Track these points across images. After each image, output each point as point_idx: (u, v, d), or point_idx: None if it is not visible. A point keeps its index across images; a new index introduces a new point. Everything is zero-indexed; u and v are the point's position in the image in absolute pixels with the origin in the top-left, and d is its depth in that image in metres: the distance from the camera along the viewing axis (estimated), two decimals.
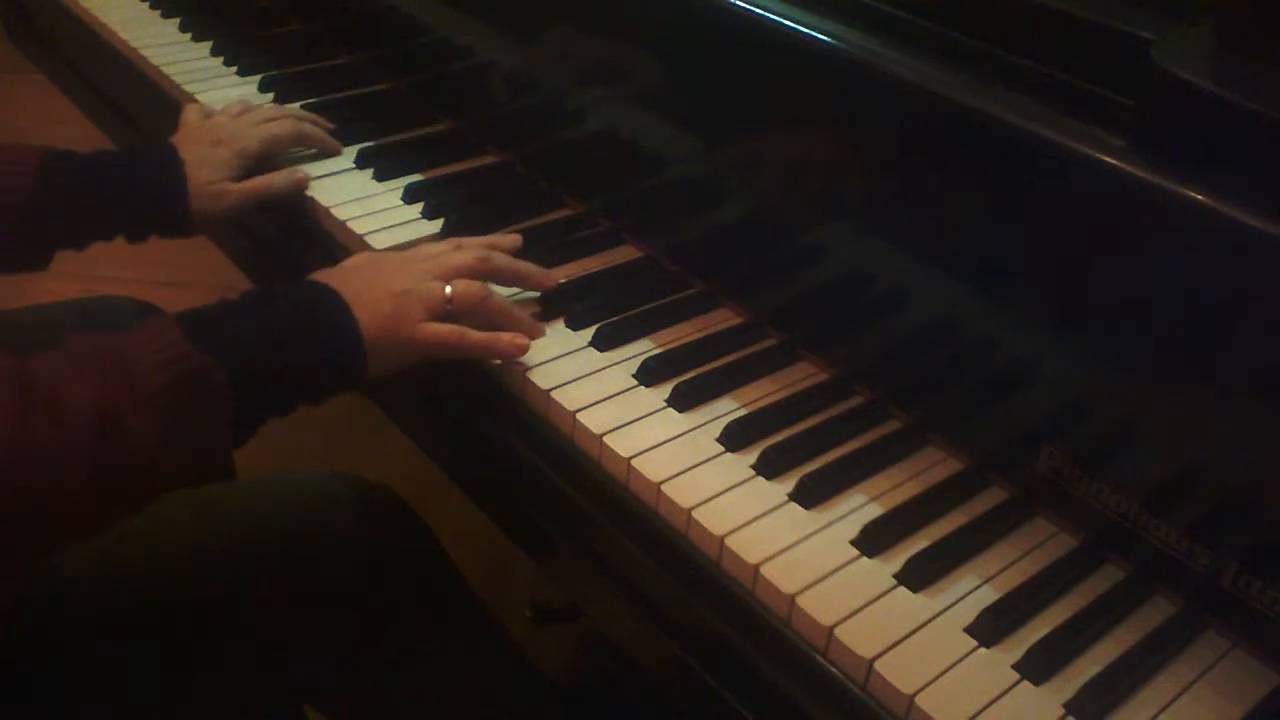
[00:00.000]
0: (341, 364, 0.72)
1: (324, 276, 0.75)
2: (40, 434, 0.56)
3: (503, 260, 0.81)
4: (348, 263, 0.80)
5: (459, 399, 0.80)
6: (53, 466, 0.57)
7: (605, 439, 0.70)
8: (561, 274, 0.86)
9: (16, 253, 0.85)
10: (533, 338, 0.78)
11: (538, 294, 0.83)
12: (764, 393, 0.77)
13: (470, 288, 0.76)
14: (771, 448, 0.71)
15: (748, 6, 0.73)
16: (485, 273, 0.79)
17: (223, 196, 0.89)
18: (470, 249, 0.80)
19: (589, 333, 0.80)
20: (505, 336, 0.76)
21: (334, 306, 0.72)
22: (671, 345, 0.80)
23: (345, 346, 0.71)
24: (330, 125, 1.01)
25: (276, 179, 0.93)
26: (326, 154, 0.99)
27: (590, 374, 0.76)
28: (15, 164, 0.83)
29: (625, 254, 0.91)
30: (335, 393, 0.73)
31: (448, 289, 0.75)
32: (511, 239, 0.85)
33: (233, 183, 0.90)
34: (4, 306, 0.96)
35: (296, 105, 1.05)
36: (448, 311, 0.75)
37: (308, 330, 0.70)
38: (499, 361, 0.77)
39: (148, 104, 1.14)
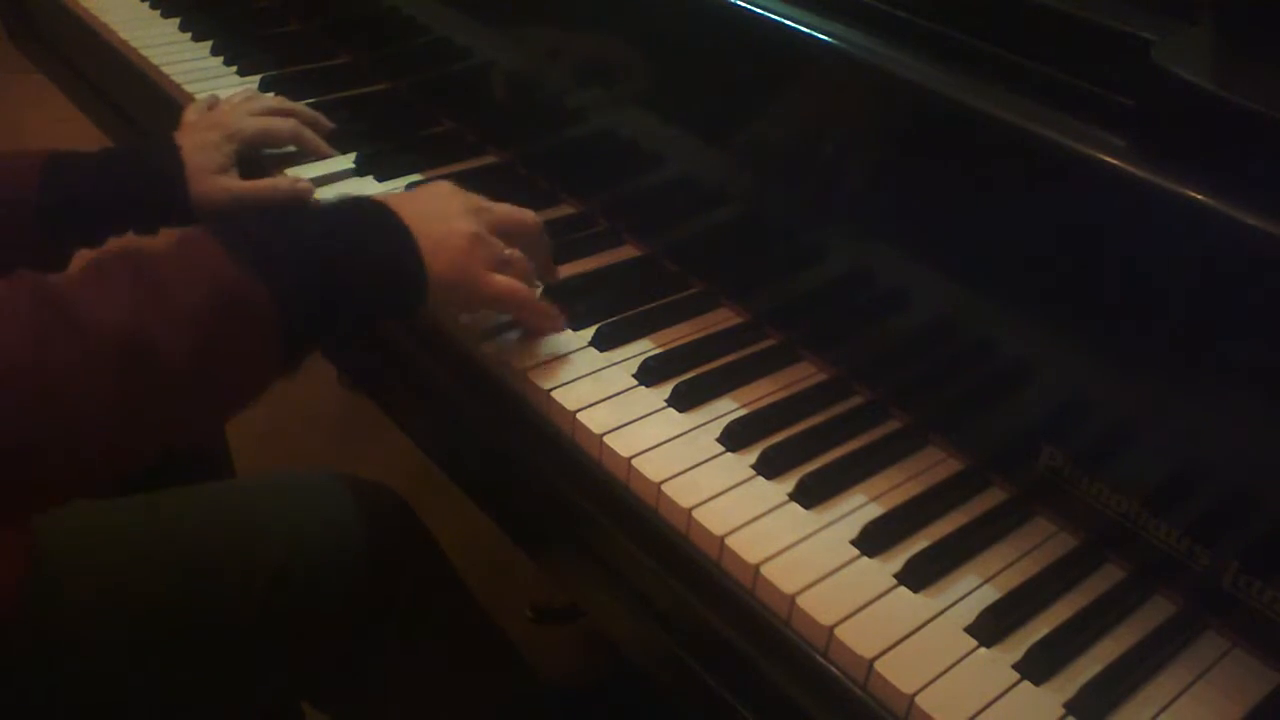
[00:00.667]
0: (400, 295, 0.70)
1: (391, 200, 0.72)
2: (61, 352, 0.53)
3: (546, 239, 0.81)
4: (412, 192, 0.77)
5: (459, 399, 0.80)
6: (74, 386, 0.54)
7: (605, 439, 0.70)
8: (561, 273, 0.86)
9: (33, 255, 0.85)
10: (554, 329, 0.79)
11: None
12: (764, 393, 0.77)
13: (524, 262, 0.76)
14: (771, 448, 0.71)
15: (748, 6, 0.73)
16: (534, 247, 0.79)
17: (224, 189, 0.89)
18: (525, 210, 0.79)
19: (589, 332, 0.80)
20: (556, 311, 0.77)
21: (395, 235, 0.69)
22: (671, 345, 0.80)
23: (406, 280, 0.69)
24: (330, 125, 1.01)
25: (281, 186, 0.93)
26: (320, 157, 0.99)
27: (590, 374, 0.76)
28: (20, 169, 0.83)
29: (625, 254, 0.91)
30: (389, 319, 0.71)
31: (506, 252, 0.74)
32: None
33: (232, 174, 0.91)
34: None
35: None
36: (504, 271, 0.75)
37: (366, 257, 0.67)
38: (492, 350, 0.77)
39: (148, 104, 1.14)
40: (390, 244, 0.69)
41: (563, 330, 0.79)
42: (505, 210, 0.77)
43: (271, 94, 1.05)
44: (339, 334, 0.68)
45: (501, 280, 0.73)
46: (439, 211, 0.72)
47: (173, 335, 0.56)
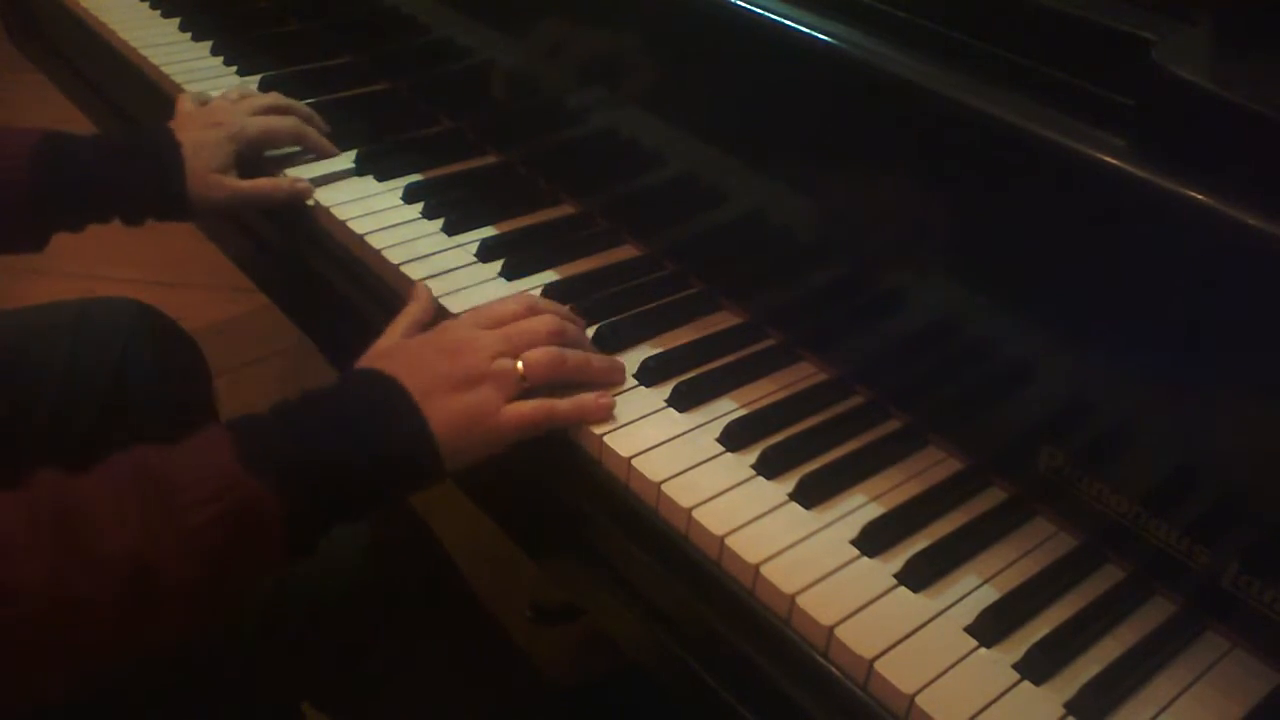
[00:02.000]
0: (414, 471, 0.66)
1: (384, 363, 0.68)
2: (73, 584, 0.55)
3: (575, 333, 0.75)
4: (404, 344, 0.73)
5: None
6: (80, 615, 0.55)
7: (605, 439, 0.70)
8: (561, 273, 0.86)
9: (13, 235, 0.85)
10: (616, 383, 0.74)
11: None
12: (764, 393, 0.77)
13: (545, 357, 0.71)
14: (771, 448, 0.71)
15: (747, 6, 0.73)
16: (566, 340, 0.73)
17: (222, 187, 0.89)
18: (544, 314, 0.74)
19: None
20: (590, 400, 0.72)
21: (402, 408, 0.66)
22: (671, 345, 0.80)
23: (416, 452, 0.66)
24: (326, 127, 1.01)
25: (281, 186, 0.93)
26: (321, 156, 0.99)
27: None
28: (11, 146, 0.83)
29: (625, 254, 0.91)
30: (406, 496, 0.69)
31: (519, 365, 0.69)
32: (577, 322, 0.77)
33: (231, 174, 0.91)
34: (4, 306, 0.96)
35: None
36: (523, 389, 0.70)
37: (374, 439, 0.64)
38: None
39: (147, 104, 1.14)
40: (397, 421, 0.65)
41: (621, 381, 0.74)
42: (508, 333, 0.72)
43: (272, 93, 1.05)
44: (349, 515, 0.66)
45: (518, 414, 0.68)
46: (436, 364, 0.68)
47: (180, 558, 0.57)
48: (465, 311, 0.79)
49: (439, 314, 0.81)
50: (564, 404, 0.71)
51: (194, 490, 0.58)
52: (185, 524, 0.57)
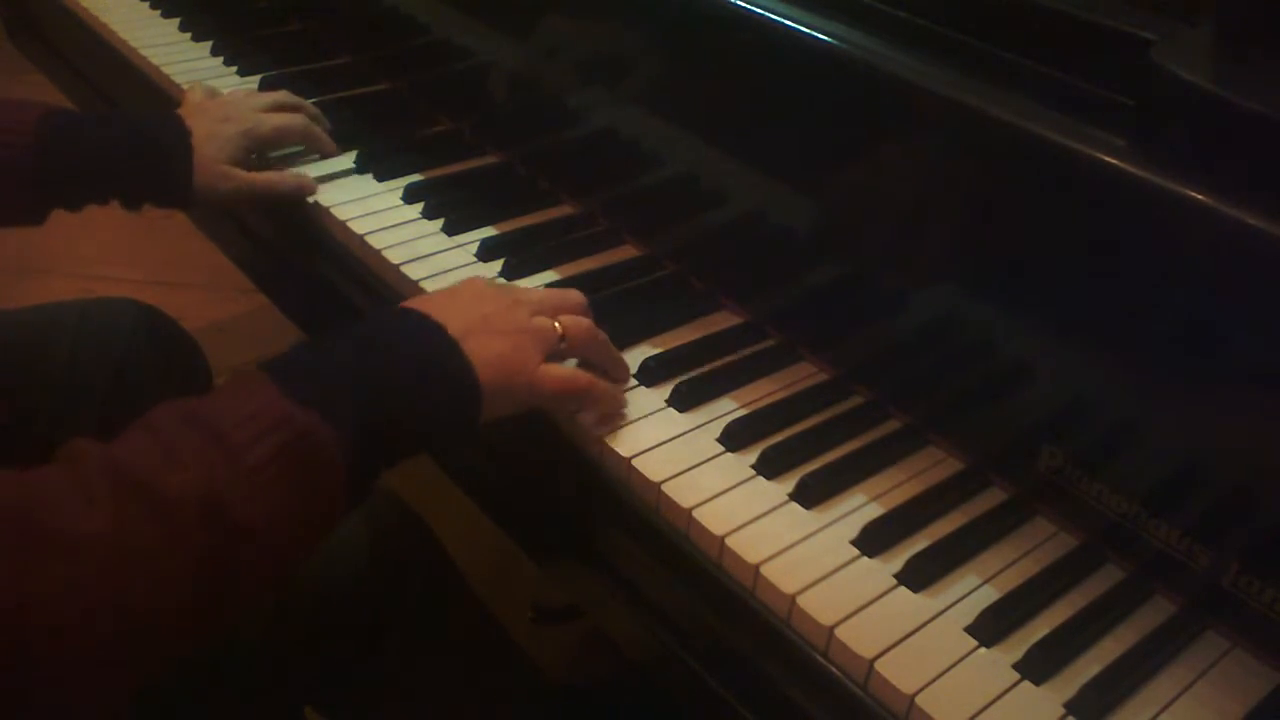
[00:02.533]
0: (455, 409, 0.64)
1: (424, 306, 0.67)
2: (142, 531, 0.50)
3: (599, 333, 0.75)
4: (443, 292, 0.71)
5: None
6: (156, 563, 0.51)
7: (605, 439, 0.70)
8: (562, 273, 0.86)
9: (12, 207, 0.84)
10: (624, 380, 0.75)
11: None
12: (764, 393, 0.77)
13: (581, 323, 0.71)
14: (771, 448, 0.71)
15: (747, 6, 0.73)
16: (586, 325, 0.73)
17: (228, 178, 0.89)
18: (575, 294, 0.75)
19: None
20: (621, 393, 0.72)
21: (443, 346, 0.64)
22: (672, 345, 0.80)
23: (457, 388, 0.64)
24: (329, 126, 1.01)
25: (286, 180, 0.93)
26: (324, 156, 0.99)
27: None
28: (13, 120, 0.82)
29: (625, 254, 0.91)
30: (447, 443, 0.65)
31: (557, 324, 0.69)
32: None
33: (240, 168, 0.90)
34: (4, 306, 0.96)
35: None
36: (560, 350, 0.70)
37: (416, 373, 0.63)
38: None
39: (148, 104, 1.14)
40: (438, 356, 0.64)
41: (624, 402, 0.73)
42: (545, 295, 0.73)
43: (281, 90, 1.05)
44: (400, 457, 0.63)
45: (559, 373, 0.68)
46: (478, 311, 0.67)
47: (246, 496, 0.53)
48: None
49: None
50: (603, 382, 0.70)
51: (247, 428, 0.54)
52: (245, 461, 0.54)
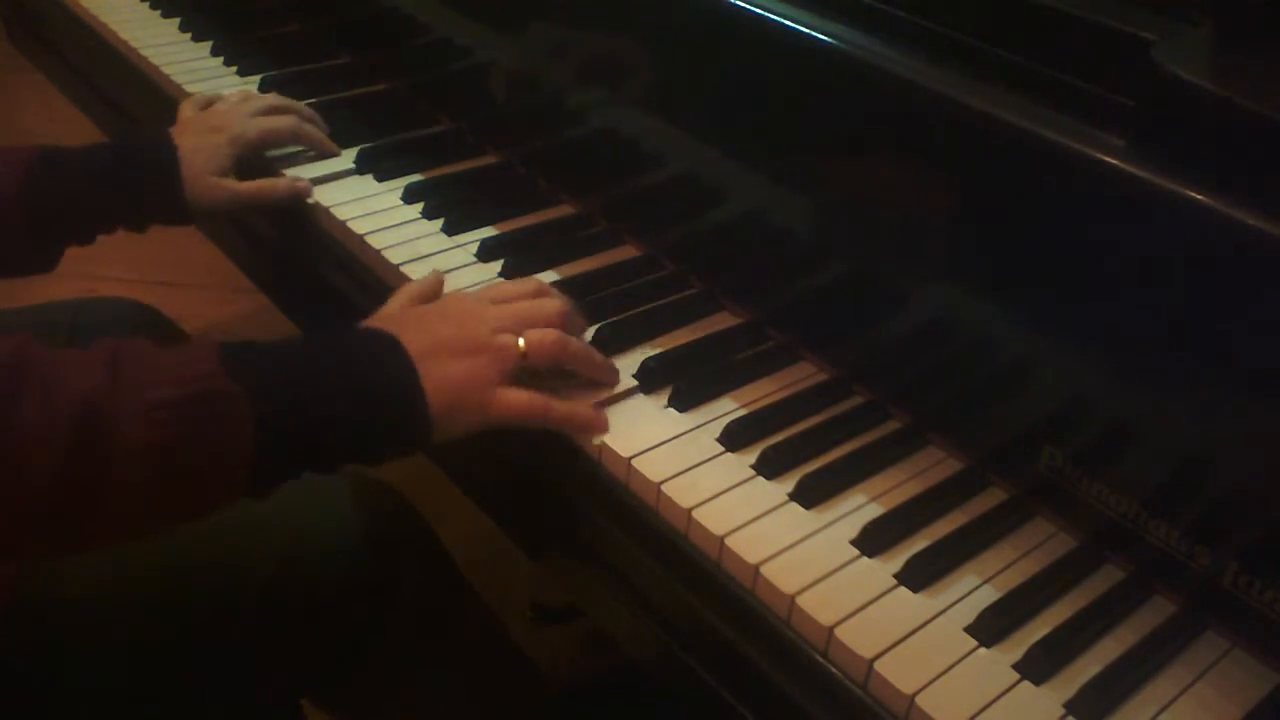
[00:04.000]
0: (399, 427, 0.65)
1: (385, 324, 0.68)
2: (25, 411, 0.53)
3: (581, 324, 0.75)
4: (408, 309, 0.73)
5: None
6: (27, 447, 0.54)
7: (605, 439, 0.70)
8: (562, 273, 0.86)
9: (19, 254, 0.85)
10: (610, 385, 0.73)
11: None
12: (764, 393, 0.77)
13: (546, 337, 0.69)
14: (771, 448, 0.71)
15: (747, 6, 0.73)
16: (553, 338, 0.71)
17: (218, 190, 0.89)
18: (554, 298, 0.74)
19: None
20: (586, 410, 0.70)
21: (396, 362, 0.65)
22: (671, 345, 0.80)
23: (405, 408, 0.64)
24: (326, 128, 1.01)
25: (280, 185, 0.93)
26: (324, 155, 0.99)
27: None
28: (6, 166, 0.83)
29: (625, 254, 0.91)
30: (390, 457, 0.66)
31: (520, 342, 0.68)
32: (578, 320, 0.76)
33: (230, 176, 0.90)
34: (4, 306, 0.96)
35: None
36: (523, 367, 0.69)
37: (362, 384, 0.63)
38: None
39: (148, 104, 1.14)
40: (388, 375, 0.65)
41: (604, 427, 0.71)
42: (515, 309, 0.71)
43: (271, 94, 1.05)
44: (328, 462, 0.64)
45: (513, 399, 0.67)
46: (438, 330, 0.68)
47: (133, 421, 0.56)
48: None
49: None
50: (560, 406, 0.70)
51: (165, 371, 0.57)
52: (147, 394, 0.56)
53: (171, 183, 0.88)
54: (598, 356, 0.74)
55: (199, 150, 0.90)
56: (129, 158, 0.89)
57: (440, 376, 0.65)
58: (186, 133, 0.91)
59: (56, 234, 0.86)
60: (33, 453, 0.54)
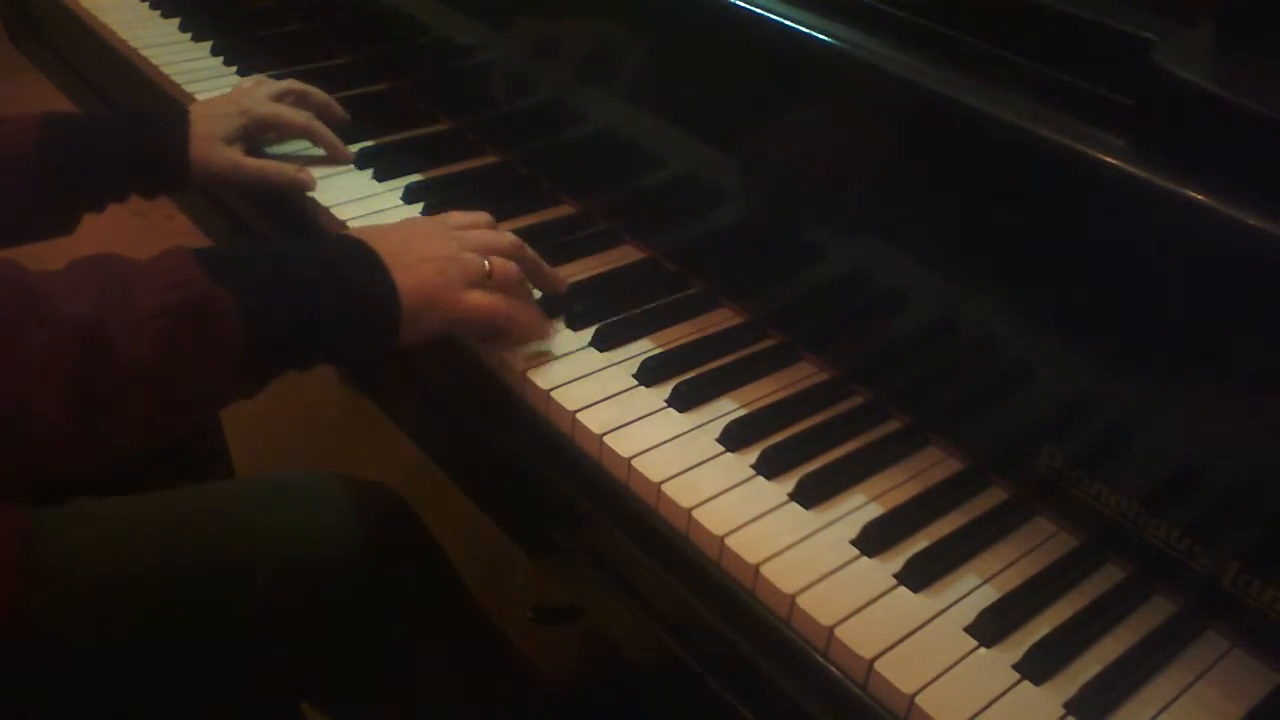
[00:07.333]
0: (373, 322, 0.70)
1: (360, 233, 0.73)
2: (27, 339, 0.56)
3: (531, 252, 0.80)
4: (380, 225, 0.78)
5: (459, 399, 0.80)
6: (33, 374, 0.56)
7: (605, 439, 0.70)
8: (561, 274, 0.86)
9: (37, 219, 0.87)
10: (545, 334, 0.78)
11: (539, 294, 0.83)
12: (764, 393, 0.77)
13: (508, 265, 0.75)
14: (771, 448, 0.71)
15: (747, 6, 0.73)
16: (517, 259, 0.78)
17: (223, 157, 0.90)
18: (504, 231, 0.79)
19: (589, 333, 0.80)
20: (535, 313, 0.76)
21: (369, 262, 0.70)
22: (671, 345, 0.80)
23: (379, 304, 0.69)
24: (345, 115, 1.02)
25: (285, 170, 0.93)
26: (331, 156, 0.98)
27: (590, 374, 0.76)
28: (16, 131, 0.84)
29: (625, 254, 0.91)
30: (362, 353, 0.71)
31: (485, 263, 0.74)
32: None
33: (237, 147, 0.92)
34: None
35: None
36: (486, 287, 0.74)
37: (338, 280, 0.68)
38: (503, 354, 0.76)
39: (148, 104, 1.14)
40: (362, 268, 0.69)
41: (549, 336, 0.78)
42: (477, 235, 0.77)
43: (290, 79, 1.05)
44: (308, 355, 0.68)
45: (476, 298, 0.73)
46: (408, 240, 0.73)
47: (130, 333, 0.58)
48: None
49: None
50: (517, 305, 0.74)
51: (149, 280, 0.60)
52: (137, 306, 0.59)
53: (180, 139, 0.89)
54: (549, 269, 0.80)
55: (210, 116, 0.92)
56: (140, 114, 0.92)
57: (412, 275, 0.70)
58: (198, 104, 0.94)
59: (71, 199, 0.86)
60: (42, 382, 0.56)
